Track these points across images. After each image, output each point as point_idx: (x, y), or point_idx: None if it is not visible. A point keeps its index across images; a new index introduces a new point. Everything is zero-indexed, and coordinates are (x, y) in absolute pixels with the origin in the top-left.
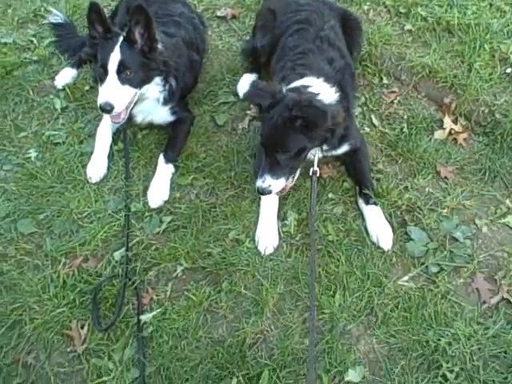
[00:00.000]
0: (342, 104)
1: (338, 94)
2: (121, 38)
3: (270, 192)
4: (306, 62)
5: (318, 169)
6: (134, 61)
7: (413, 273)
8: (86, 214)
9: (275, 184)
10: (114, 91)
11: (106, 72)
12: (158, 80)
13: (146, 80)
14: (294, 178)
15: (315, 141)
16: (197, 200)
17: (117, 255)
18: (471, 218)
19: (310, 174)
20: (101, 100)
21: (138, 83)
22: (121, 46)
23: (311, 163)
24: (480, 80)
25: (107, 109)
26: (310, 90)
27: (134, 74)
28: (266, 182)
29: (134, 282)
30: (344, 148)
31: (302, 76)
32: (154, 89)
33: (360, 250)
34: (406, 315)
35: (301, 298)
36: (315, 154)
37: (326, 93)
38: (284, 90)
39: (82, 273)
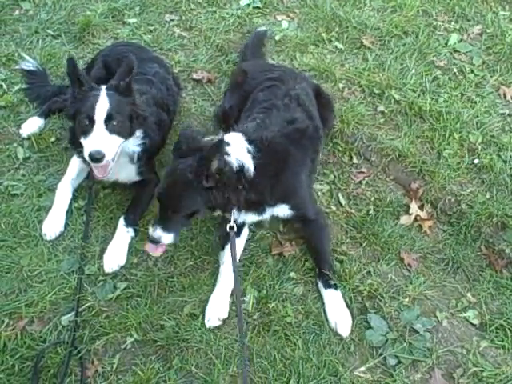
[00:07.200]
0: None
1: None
2: (103, 89)
3: (160, 242)
4: (265, 117)
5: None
6: (122, 111)
7: (370, 363)
8: (36, 272)
9: (165, 237)
10: (103, 140)
11: (92, 122)
12: (138, 133)
13: (131, 132)
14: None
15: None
16: (154, 268)
17: (64, 320)
18: (432, 309)
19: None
20: (91, 148)
21: (125, 133)
22: (108, 96)
23: None
24: (448, 168)
25: (98, 157)
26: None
27: (121, 124)
28: (157, 233)
29: (79, 351)
30: (283, 208)
31: (239, 130)
32: (133, 142)
33: (318, 334)
34: None
35: (253, 383)
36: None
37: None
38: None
39: (25, 336)
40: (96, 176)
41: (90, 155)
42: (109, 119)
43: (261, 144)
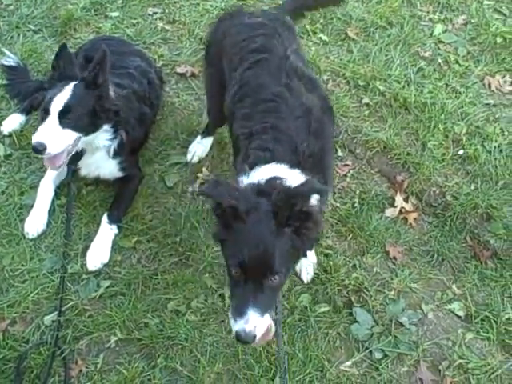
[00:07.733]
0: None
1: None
2: (72, 82)
3: (254, 338)
4: (276, 124)
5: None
6: (83, 104)
7: (356, 358)
8: (18, 272)
9: (261, 323)
10: (50, 132)
11: (47, 114)
12: (106, 127)
13: (93, 127)
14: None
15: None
16: (138, 265)
17: (47, 320)
18: (417, 302)
19: None
20: (34, 139)
21: (83, 128)
22: (73, 88)
23: None
24: (433, 160)
25: (39, 149)
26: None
27: (78, 119)
28: (251, 322)
29: (62, 351)
30: None
31: (268, 160)
32: (103, 137)
33: (303, 330)
34: None
35: (239, 380)
36: None
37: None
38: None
39: (7, 337)
40: (46, 166)
41: (32, 146)
42: (64, 112)
43: (304, 162)
